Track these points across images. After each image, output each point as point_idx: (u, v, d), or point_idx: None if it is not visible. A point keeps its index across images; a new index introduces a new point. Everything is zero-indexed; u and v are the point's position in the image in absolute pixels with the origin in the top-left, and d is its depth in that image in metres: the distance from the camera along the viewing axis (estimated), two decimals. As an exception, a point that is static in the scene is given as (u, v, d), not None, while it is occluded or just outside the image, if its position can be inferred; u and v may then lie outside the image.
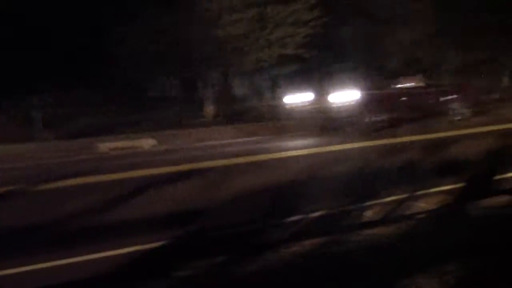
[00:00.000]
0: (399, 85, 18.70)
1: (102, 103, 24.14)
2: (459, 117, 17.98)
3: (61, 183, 9.86)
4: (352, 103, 16.45)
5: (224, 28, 22.23)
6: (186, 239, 6.25)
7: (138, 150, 14.88)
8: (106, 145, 15.21)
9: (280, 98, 22.14)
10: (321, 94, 17.90)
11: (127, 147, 15.27)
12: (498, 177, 8.70)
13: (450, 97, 18.53)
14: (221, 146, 14.85)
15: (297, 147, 13.66)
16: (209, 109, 23.14)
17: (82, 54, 23.24)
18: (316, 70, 45.43)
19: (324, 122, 16.98)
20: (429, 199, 7.49)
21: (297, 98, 18.66)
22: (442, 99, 18.39)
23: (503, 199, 7.19)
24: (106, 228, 6.76)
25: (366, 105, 16.65)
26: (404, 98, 17.78)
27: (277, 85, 34.37)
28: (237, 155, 12.62)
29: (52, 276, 5.15)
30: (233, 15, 22.13)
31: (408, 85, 18.72)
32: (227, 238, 6.24)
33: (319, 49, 24.79)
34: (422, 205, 7.20)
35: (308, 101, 18.16)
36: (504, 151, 11.17)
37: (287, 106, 19.32)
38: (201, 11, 22.25)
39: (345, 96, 16.57)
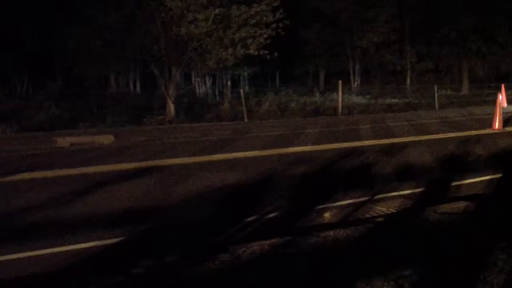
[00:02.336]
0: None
1: (63, 98, 24.01)
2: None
3: (16, 177, 9.79)
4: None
5: (187, 26, 22.15)
6: (141, 236, 6.27)
7: (97, 145, 14.76)
8: (66, 140, 15.07)
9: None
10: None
11: (87, 142, 15.15)
12: (455, 183, 8.90)
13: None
14: (180, 144, 14.83)
15: (254, 147, 13.70)
16: (170, 107, 23.02)
17: (38, 50, 23.16)
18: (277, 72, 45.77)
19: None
20: (388, 202, 7.62)
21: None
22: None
23: (460, 205, 7.32)
24: (61, 223, 6.75)
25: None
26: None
27: (239, 85, 34.48)
28: (193, 154, 12.66)
29: (2, 271, 5.11)
30: (196, 14, 22.05)
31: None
32: (183, 236, 6.27)
33: (280, 51, 24.85)
34: (381, 209, 7.32)
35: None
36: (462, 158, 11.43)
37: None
38: (164, 9, 22.13)
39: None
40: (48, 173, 10.13)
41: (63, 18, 23.31)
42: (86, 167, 10.83)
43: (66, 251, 5.67)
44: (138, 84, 39.53)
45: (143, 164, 11.13)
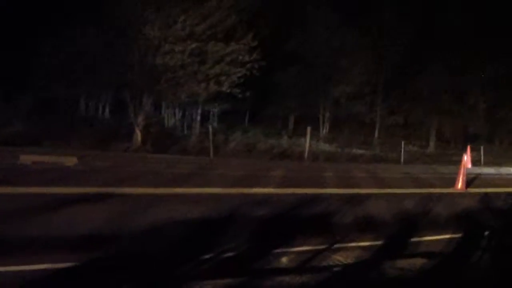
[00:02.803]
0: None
1: (31, 114, 23.76)
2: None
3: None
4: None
5: (163, 57, 22.18)
6: (96, 264, 6.15)
7: (59, 166, 14.59)
8: (29, 157, 14.87)
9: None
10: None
11: (50, 162, 14.96)
12: (414, 239, 8.92)
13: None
14: (144, 174, 14.72)
15: (218, 184, 13.64)
16: (137, 136, 22.92)
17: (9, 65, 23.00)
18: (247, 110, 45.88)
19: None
20: (347, 253, 7.59)
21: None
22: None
23: (417, 261, 7.32)
24: (13, 242, 6.60)
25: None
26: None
27: (208, 120, 34.49)
28: (156, 185, 12.56)
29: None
30: (172, 46, 22.11)
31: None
32: (138, 268, 6.17)
33: (253, 90, 25.00)
34: (339, 258, 7.28)
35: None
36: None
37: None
38: (142, 37, 22.16)
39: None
40: (5, 190, 9.96)
41: (41, 34, 23.13)
42: (46, 187, 10.67)
43: (16, 271, 5.54)
44: (107, 109, 39.32)
45: (104, 190, 10.99)
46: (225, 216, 9.57)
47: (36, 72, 25.62)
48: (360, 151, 32.91)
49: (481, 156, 33.85)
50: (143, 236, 7.62)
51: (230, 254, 7.04)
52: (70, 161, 15.50)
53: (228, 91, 24.02)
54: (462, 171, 17.37)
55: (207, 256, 6.78)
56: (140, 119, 23.29)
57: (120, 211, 9.01)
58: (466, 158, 17.67)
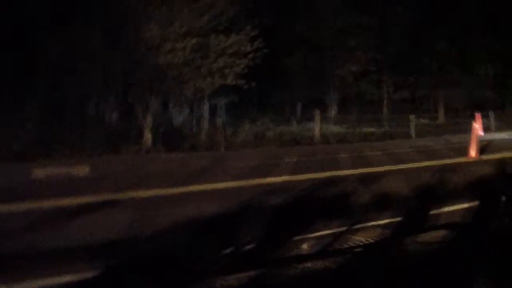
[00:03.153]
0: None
1: (39, 121, 23.74)
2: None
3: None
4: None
5: (165, 56, 22.14)
6: (118, 269, 6.18)
7: (72, 176, 14.63)
8: (42, 171, 14.92)
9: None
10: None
11: (62, 173, 15.01)
12: (433, 212, 8.92)
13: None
14: (157, 174, 14.74)
15: (232, 177, 13.63)
16: (147, 136, 22.91)
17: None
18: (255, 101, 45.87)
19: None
20: (367, 232, 7.60)
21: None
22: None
23: (438, 234, 7.32)
24: (36, 257, 6.63)
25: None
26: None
27: (216, 114, 34.46)
28: (171, 184, 12.56)
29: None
30: (173, 44, 22.06)
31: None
32: (160, 268, 6.19)
33: (258, 80, 24.94)
34: (359, 239, 7.29)
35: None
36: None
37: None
38: (143, 38, 22.12)
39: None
40: (23, 205, 10.00)
41: (45, 28, 23.01)
42: (61, 199, 10.70)
43: (38, 286, 5.56)
44: (115, 112, 39.31)
45: (120, 195, 10.99)
46: (242, 208, 9.58)
47: (42, 73, 25.57)
48: (370, 130, 32.74)
49: (491, 122, 33.68)
50: (163, 237, 7.63)
51: (250, 246, 7.06)
52: (83, 170, 15.54)
53: (233, 83, 23.96)
54: (474, 139, 17.32)
55: (227, 251, 6.80)
56: (148, 119, 23.27)
57: (135, 215, 9.01)
58: (477, 126, 17.61)
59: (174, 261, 6.48)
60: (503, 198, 9.83)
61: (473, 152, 17.14)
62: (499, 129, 32.93)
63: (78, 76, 23.88)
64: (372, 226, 8.03)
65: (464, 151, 17.72)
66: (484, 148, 19.41)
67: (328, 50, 41.79)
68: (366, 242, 7.17)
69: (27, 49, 23.61)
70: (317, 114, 26.97)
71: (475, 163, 16.09)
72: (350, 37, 41.47)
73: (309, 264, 5.88)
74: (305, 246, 7.01)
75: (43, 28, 22.86)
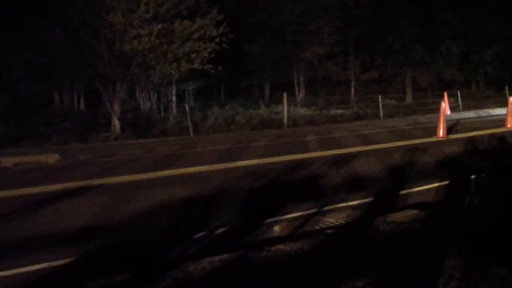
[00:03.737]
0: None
1: (6, 114, 23.56)
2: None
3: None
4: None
5: (131, 42, 21.95)
6: (91, 256, 6.14)
7: (42, 164, 14.50)
8: (10, 160, 14.74)
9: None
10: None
11: (31, 162, 14.85)
12: (403, 192, 8.99)
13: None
14: (127, 161, 14.64)
15: (202, 162, 13.59)
16: (115, 124, 22.76)
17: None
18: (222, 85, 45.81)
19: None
20: (338, 214, 7.64)
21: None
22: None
23: (408, 213, 7.38)
24: (7, 245, 6.57)
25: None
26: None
27: (184, 100, 34.35)
28: (140, 170, 12.51)
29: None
30: (138, 30, 21.88)
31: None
32: (133, 254, 6.17)
33: (225, 65, 24.89)
34: (330, 220, 7.32)
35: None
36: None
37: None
38: (107, 25, 21.90)
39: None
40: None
41: (5, 33, 22.72)
42: (32, 187, 10.60)
43: (13, 274, 5.51)
44: (82, 101, 39.01)
45: (90, 182, 10.93)
46: (213, 193, 9.57)
47: (5, 70, 25.33)
48: (338, 111, 32.86)
49: (459, 101, 34.04)
50: (133, 223, 7.60)
51: (222, 230, 7.06)
52: (52, 157, 15.40)
53: (200, 67, 23.87)
54: (441, 119, 17.48)
55: (199, 235, 6.80)
56: (116, 107, 23.10)
57: (106, 201, 8.96)
58: (444, 105, 17.75)
59: (147, 246, 6.47)
60: (472, 177, 9.97)
61: (441, 132, 17.29)
62: (466, 107, 33.29)
63: (41, 73, 23.62)
64: (343, 207, 8.08)
65: (433, 131, 17.87)
66: (452, 127, 19.62)
67: (291, 35, 41.66)
68: (337, 223, 7.20)
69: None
70: (284, 97, 27.00)
71: (443, 142, 16.24)
72: (312, 20, 41.33)
73: (281, 246, 5.90)
74: (276, 228, 7.03)
75: (3, 28, 22.60)
